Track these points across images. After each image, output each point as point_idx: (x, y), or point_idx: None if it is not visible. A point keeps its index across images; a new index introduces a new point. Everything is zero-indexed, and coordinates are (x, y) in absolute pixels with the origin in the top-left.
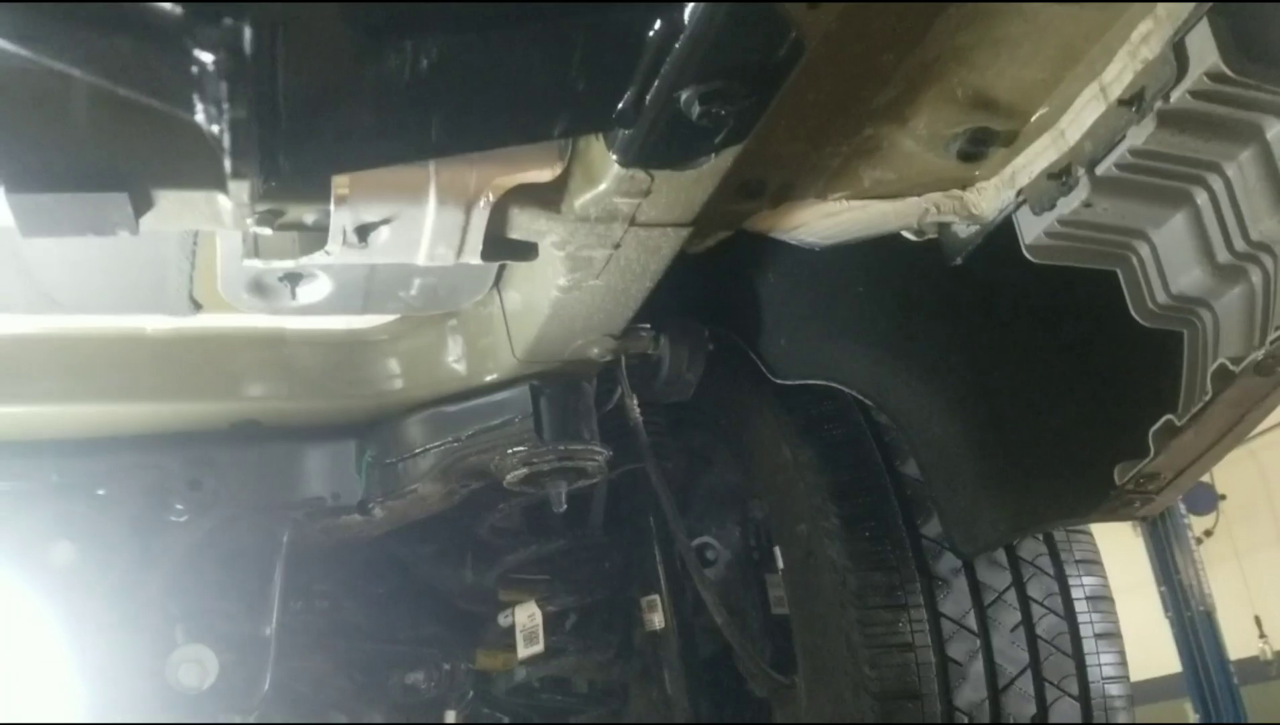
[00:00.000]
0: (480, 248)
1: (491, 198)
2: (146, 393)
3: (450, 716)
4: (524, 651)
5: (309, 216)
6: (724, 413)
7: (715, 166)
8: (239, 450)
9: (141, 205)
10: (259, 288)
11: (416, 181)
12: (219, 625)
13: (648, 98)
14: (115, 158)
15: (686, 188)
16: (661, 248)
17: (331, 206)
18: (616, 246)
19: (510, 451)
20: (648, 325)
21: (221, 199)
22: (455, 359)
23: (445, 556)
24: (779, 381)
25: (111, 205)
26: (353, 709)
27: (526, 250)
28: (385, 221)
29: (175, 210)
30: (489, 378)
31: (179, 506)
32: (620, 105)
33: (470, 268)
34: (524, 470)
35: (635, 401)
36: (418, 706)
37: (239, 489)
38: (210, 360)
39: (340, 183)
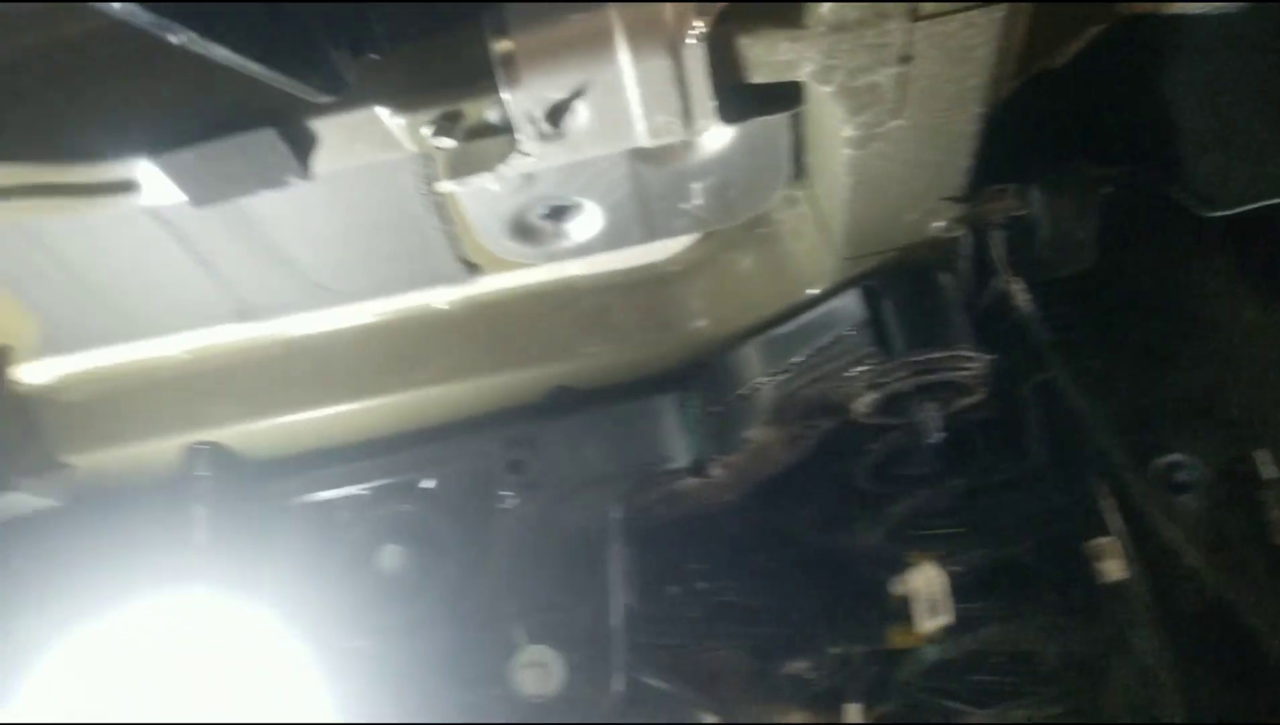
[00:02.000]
0: (714, 105)
1: (701, 28)
2: (449, 373)
3: (853, 714)
4: (926, 624)
5: (491, 113)
6: (1164, 283)
7: None
8: (555, 422)
9: (299, 143)
10: (523, 231)
11: (594, 30)
12: (561, 622)
13: None
14: (251, 94)
15: None
16: (976, 48)
17: (501, 82)
18: (906, 60)
19: (850, 374)
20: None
21: (384, 115)
22: (769, 276)
23: (830, 518)
24: (1218, 214)
25: (264, 147)
26: (725, 707)
27: (783, 97)
28: (577, 95)
29: (340, 142)
30: (812, 290)
31: (504, 493)
32: None
33: (755, 154)
34: (872, 395)
35: (1018, 284)
36: (807, 700)
37: (562, 465)
38: (505, 326)
39: (502, 49)
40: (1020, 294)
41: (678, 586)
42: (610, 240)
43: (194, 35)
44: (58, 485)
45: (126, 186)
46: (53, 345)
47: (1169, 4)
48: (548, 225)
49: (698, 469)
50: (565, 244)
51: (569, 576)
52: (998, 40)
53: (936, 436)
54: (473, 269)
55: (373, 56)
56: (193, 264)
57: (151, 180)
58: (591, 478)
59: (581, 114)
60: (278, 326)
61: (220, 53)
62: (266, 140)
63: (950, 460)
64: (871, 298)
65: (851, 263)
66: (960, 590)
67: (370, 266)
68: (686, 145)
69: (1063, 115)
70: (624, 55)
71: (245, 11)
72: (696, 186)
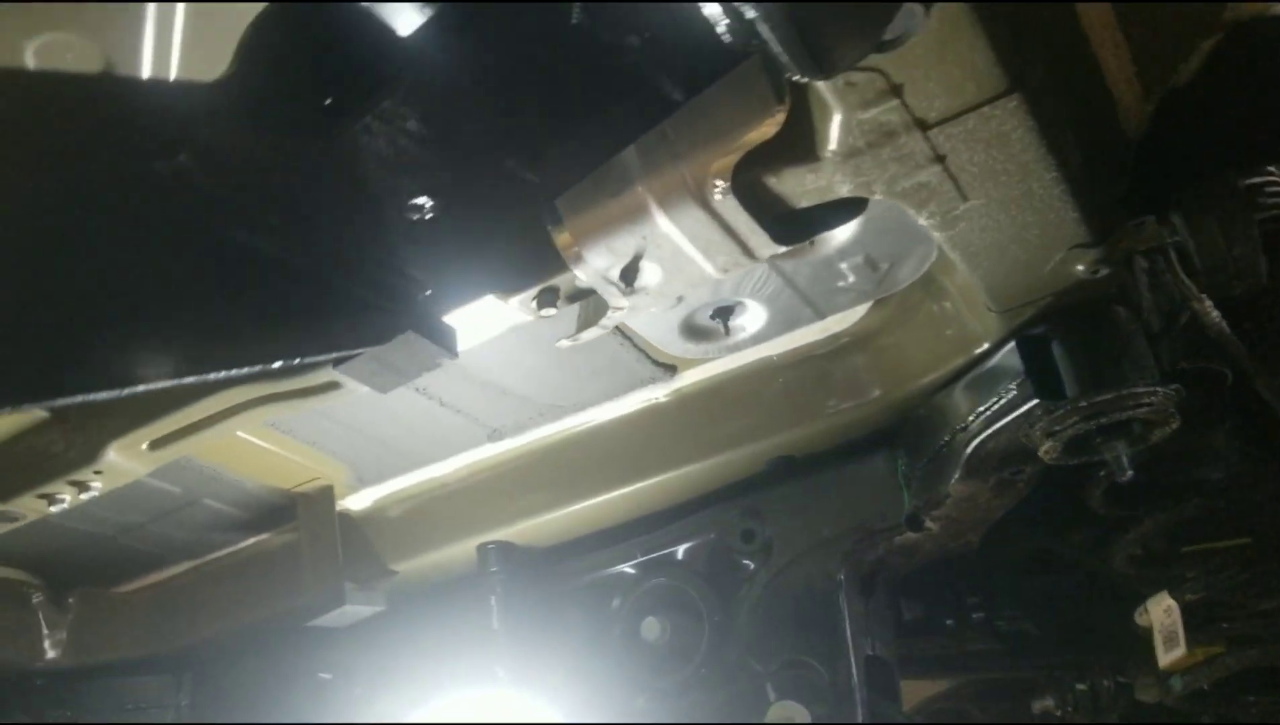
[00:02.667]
0: (768, 234)
1: (723, 184)
2: (679, 457)
3: None
4: (1164, 658)
5: (578, 282)
6: None
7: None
8: (778, 491)
9: (439, 336)
10: (696, 333)
11: (631, 206)
12: (804, 677)
13: None
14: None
15: (947, 52)
16: (1009, 133)
17: (570, 263)
18: (941, 159)
19: (1028, 424)
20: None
21: (495, 300)
22: (945, 332)
23: (1093, 541)
24: None
25: (412, 345)
26: None
27: (842, 209)
28: (639, 257)
29: (472, 325)
30: (980, 347)
31: (743, 561)
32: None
33: (891, 229)
34: (1050, 443)
35: (1205, 302)
36: None
37: (789, 531)
38: (719, 408)
39: (563, 241)
40: (1210, 312)
41: (954, 619)
42: (782, 325)
43: None
44: (383, 592)
45: (332, 386)
46: (362, 480)
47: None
48: (717, 325)
49: (913, 523)
50: (741, 336)
51: (809, 634)
52: (1033, 121)
53: (1125, 476)
54: (670, 369)
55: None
56: (446, 411)
57: (346, 380)
58: (818, 540)
59: (651, 270)
60: (528, 438)
61: None
62: (411, 341)
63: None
64: (1032, 347)
65: (1007, 316)
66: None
67: (583, 383)
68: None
69: (1205, 131)
70: (663, 220)
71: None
72: (844, 267)
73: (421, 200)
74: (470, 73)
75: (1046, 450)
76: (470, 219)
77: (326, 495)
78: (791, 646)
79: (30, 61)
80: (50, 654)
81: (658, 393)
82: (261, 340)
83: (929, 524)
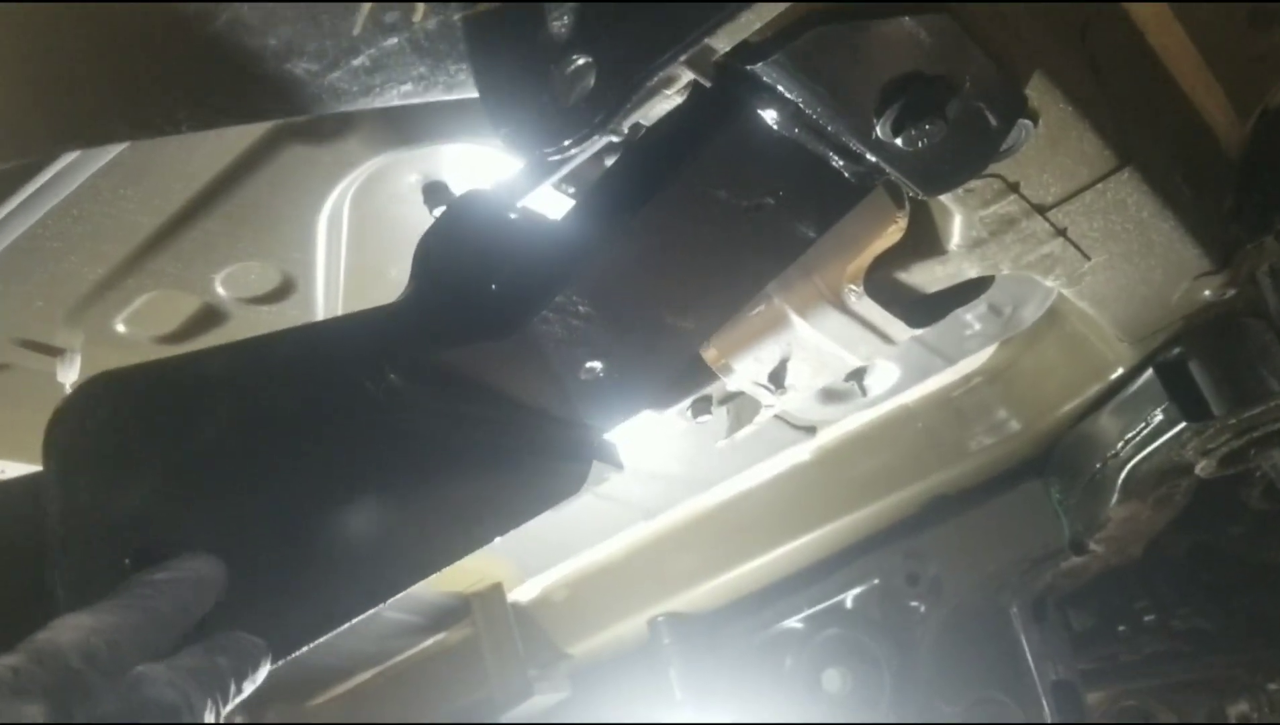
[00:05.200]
0: (904, 322)
1: (858, 287)
2: (830, 510)
3: None
4: None
5: (728, 387)
6: None
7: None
8: (936, 531)
9: (607, 457)
10: (833, 397)
11: (771, 318)
12: (993, 711)
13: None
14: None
15: (1058, 147)
16: (1125, 200)
17: (720, 374)
18: (1061, 232)
19: (1180, 446)
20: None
21: (651, 415)
22: (1073, 362)
23: (1246, 536)
24: None
25: (572, 474)
26: None
27: (972, 287)
28: (785, 361)
29: (632, 435)
30: (1116, 373)
31: (912, 603)
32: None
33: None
34: (1205, 461)
35: None
36: None
37: (955, 569)
38: (865, 457)
39: (710, 357)
40: None
41: (1125, 625)
42: (914, 377)
43: None
44: (563, 677)
45: None
46: (527, 571)
47: None
48: (852, 386)
49: (1077, 548)
50: (875, 393)
51: (993, 668)
52: (1146, 186)
53: None
54: (810, 431)
55: None
56: (602, 501)
57: None
58: (985, 575)
59: (797, 369)
60: (680, 512)
61: None
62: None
63: None
64: (1171, 372)
65: (1139, 344)
66: None
67: (729, 455)
68: None
69: None
70: (804, 327)
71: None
72: (969, 317)
73: (593, 364)
74: (626, 254)
75: (1202, 468)
76: (635, 368)
77: (498, 592)
78: (976, 683)
79: (220, 290)
80: None
81: (801, 453)
82: (484, 520)
83: (1093, 547)
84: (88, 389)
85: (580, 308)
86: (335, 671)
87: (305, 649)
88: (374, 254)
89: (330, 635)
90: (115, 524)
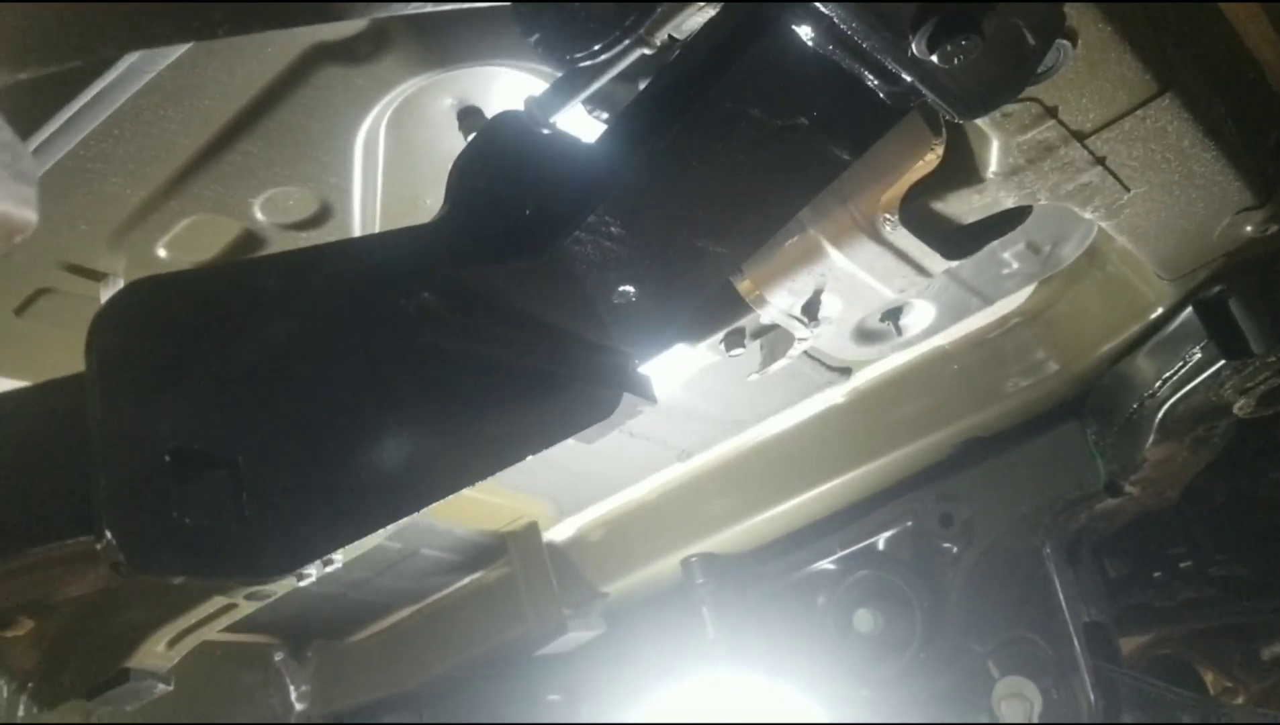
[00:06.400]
0: (941, 252)
1: (892, 216)
2: (863, 452)
3: None
4: None
5: (762, 320)
6: None
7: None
8: (970, 472)
9: (639, 389)
10: (868, 336)
11: (805, 248)
12: (1025, 652)
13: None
14: None
15: (1097, 71)
16: (1165, 127)
17: (753, 306)
18: (1100, 161)
19: (1218, 384)
20: None
21: (685, 349)
22: (1115, 301)
23: None
24: None
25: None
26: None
27: (1009, 218)
28: (819, 293)
29: (667, 372)
30: (1155, 312)
31: (945, 545)
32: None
33: (1052, 210)
34: (1244, 400)
35: None
36: None
37: (988, 510)
38: (899, 400)
39: (745, 288)
40: None
41: (1161, 571)
42: (951, 317)
43: None
44: (599, 614)
45: None
46: (563, 512)
47: None
48: (887, 326)
49: (1113, 489)
50: (911, 333)
51: (1024, 608)
52: (1187, 113)
53: None
54: (845, 372)
55: None
56: (637, 440)
57: None
58: (1019, 516)
59: (831, 301)
60: (715, 453)
61: None
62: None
63: None
64: (1211, 309)
65: (1180, 282)
66: None
67: (763, 396)
68: None
69: None
70: (837, 256)
71: None
72: (1007, 255)
73: (626, 288)
74: (659, 175)
75: (1241, 407)
76: (668, 293)
77: (533, 531)
78: (1008, 623)
79: (259, 215)
80: (299, 706)
81: (835, 395)
82: (511, 440)
83: (1129, 488)
84: (131, 293)
85: (613, 229)
86: (375, 608)
87: (332, 553)
88: (409, 181)
89: (358, 543)
90: (154, 426)
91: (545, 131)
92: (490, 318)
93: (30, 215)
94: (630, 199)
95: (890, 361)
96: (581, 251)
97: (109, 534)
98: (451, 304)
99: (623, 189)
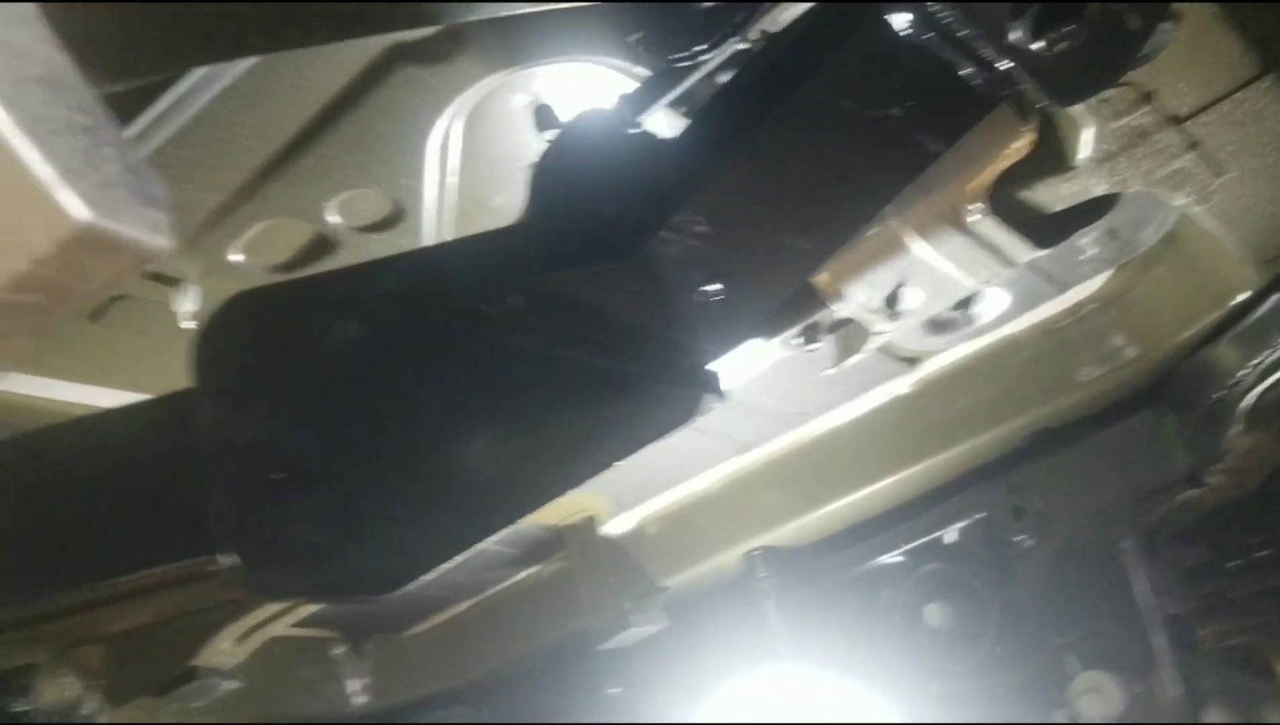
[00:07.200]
0: (1027, 242)
1: (981, 206)
2: (929, 444)
3: None
4: None
5: (837, 314)
6: None
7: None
8: (1042, 464)
9: (709, 386)
10: (939, 327)
11: (887, 241)
12: (1105, 645)
13: None
14: None
15: (1197, 54)
16: (1265, 107)
17: (829, 301)
18: (1195, 145)
19: None
20: None
21: (757, 343)
22: (1194, 288)
23: None
24: None
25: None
26: None
27: (1096, 206)
28: (901, 286)
29: (732, 372)
30: (1237, 298)
31: (1018, 538)
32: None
33: (1128, 197)
34: None
35: None
36: None
37: (1062, 502)
38: (967, 390)
39: (822, 282)
40: None
41: (1238, 561)
42: (1024, 305)
43: None
44: (658, 611)
45: None
46: (621, 505)
47: None
48: (959, 315)
49: (1194, 480)
50: (983, 321)
51: (1104, 602)
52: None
53: None
54: (912, 362)
55: None
56: (695, 432)
57: None
58: (1095, 507)
59: (913, 294)
60: (776, 445)
61: None
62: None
63: None
64: None
65: (1267, 266)
66: None
67: (826, 389)
68: None
69: None
70: (922, 248)
71: None
72: (1085, 241)
73: (710, 286)
74: (747, 171)
75: None
76: (753, 291)
77: (590, 525)
78: (1087, 617)
79: (331, 218)
80: (357, 700)
81: (901, 385)
82: (599, 445)
83: (1210, 479)
84: (234, 307)
85: (699, 227)
86: (433, 602)
87: (426, 576)
88: (480, 180)
89: (451, 562)
90: (262, 443)
91: (631, 130)
92: (575, 321)
93: (163, 241)
94: (717, 196)
95: (957, 352)
96: (667, 251)
97: (228, 556)
98: (537, 307)
99: (710, 186)
